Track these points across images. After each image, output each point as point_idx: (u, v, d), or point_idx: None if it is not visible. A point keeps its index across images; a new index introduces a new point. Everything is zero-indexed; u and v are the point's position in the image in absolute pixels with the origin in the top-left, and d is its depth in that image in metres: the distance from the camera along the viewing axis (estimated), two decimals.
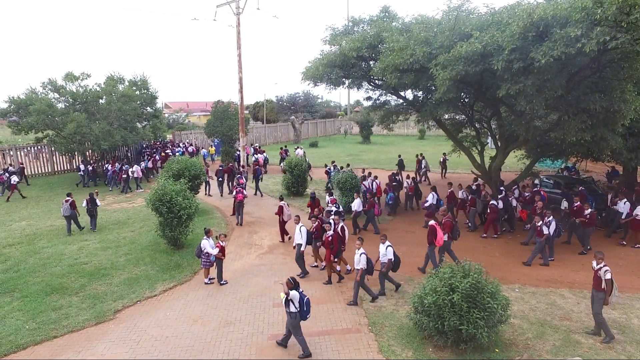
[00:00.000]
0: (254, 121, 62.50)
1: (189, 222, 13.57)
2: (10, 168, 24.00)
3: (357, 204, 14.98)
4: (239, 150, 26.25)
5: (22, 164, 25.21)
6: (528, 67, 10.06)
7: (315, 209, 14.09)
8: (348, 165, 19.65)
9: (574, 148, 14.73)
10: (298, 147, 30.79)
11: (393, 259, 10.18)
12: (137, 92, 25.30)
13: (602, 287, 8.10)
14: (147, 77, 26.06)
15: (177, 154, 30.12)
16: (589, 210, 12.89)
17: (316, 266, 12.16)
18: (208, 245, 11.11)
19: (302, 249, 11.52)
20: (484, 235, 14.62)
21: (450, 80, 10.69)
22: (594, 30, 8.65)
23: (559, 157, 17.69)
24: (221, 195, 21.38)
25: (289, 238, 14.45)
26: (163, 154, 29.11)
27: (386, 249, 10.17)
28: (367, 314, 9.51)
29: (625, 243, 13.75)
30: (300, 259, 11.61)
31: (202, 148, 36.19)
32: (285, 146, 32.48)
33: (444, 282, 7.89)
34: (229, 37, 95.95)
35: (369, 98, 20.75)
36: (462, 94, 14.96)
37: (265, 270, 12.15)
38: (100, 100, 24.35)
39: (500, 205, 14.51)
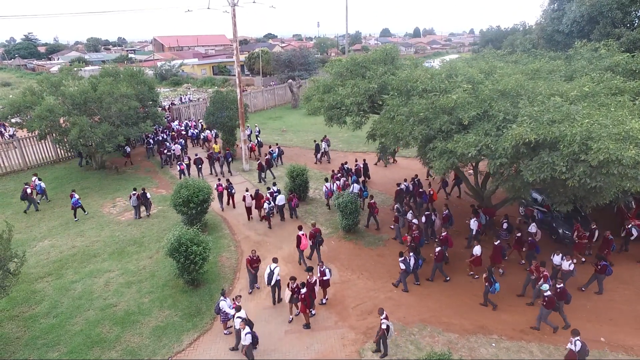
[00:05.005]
0: (249, 72, 60.76)
1: (203, 263, 14.89)
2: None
3: (280, 199, 19.19)
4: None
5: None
6: (518, 171, 10.65)
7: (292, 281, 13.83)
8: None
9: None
10: (255, 126, 33.28)
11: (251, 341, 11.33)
12: (135, 86, 24.91)
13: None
14: (144, 69, 25.53)
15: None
16: (439, 248, 14.37)
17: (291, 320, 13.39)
18: (226, 306, 12.61)
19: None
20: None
21: (446, 168, 11.33)
22: (576, 169, 9.19)
23: None
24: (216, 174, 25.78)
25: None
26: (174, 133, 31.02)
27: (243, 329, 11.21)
28: None
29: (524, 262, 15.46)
30: None
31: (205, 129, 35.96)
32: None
33: None
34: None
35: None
36: None
37: (276, 316, 13.76)
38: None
39: (423, 220, 16.67)
